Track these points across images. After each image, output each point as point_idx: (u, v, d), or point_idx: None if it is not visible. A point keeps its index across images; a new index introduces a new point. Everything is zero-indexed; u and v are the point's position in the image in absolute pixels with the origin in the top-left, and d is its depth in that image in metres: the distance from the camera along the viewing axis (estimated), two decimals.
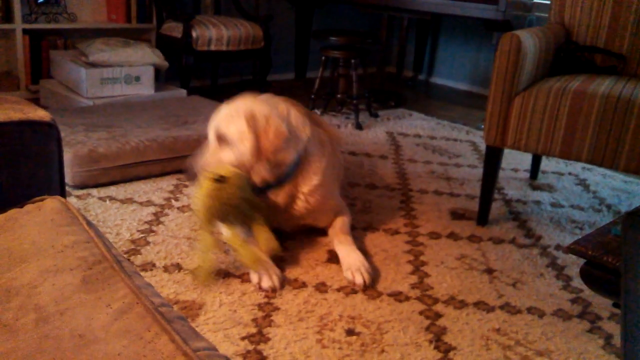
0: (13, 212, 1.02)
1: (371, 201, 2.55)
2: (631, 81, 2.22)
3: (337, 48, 3.68)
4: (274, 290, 1.81)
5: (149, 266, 1.89)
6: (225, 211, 1.81)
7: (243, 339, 1.56)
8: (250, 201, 1.87)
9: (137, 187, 2.50)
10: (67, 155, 2.36)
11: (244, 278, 1.86)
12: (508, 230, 2.36)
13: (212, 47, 3.78)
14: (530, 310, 1.81)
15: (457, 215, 2.48)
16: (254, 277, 1.83)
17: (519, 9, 3.72)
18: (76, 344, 0.71)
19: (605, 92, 2.04)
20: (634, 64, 2.49)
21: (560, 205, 2.66)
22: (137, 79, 3.55)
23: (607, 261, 1.30)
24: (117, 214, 2.25)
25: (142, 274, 1.67)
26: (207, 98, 3.47)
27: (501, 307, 1.81)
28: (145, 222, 2.19)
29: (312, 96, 3.79)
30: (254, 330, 1.60)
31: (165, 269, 1.89)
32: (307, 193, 2.04)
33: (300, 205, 2.06)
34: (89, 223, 0.99)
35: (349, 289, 1.85)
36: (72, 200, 2.35)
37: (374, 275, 1.93)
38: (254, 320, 1.65)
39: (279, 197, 2.02)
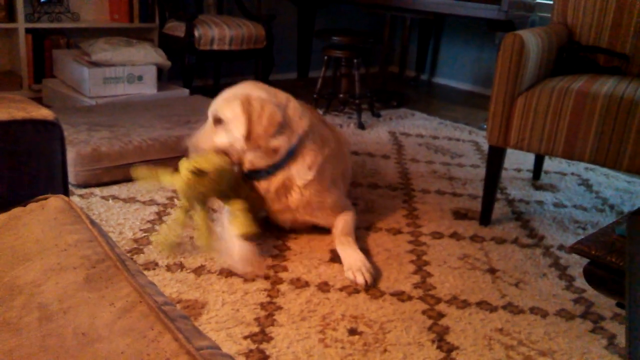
0: (16, 211, 1.02)
1: (374, 201, 2.55)
2: (634, 81, 2.21)
3: (339, 48, 3.68)
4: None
5: (152, 265, 1.90)
6: (200, 199, 1.93)
7: (245, 338, 1.57)
8: (229, 191, 1.98)
9: (139, 186, 2.51)
10: (70, 155, 2.36)
11: (246, 277, 1.86)
12: (511, 230, 2.36)
13: (215, 47, 3.78)
14: (533, 310, 1.81)
15: (459, 215, 2.47)
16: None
17: (521, 9, 3.71)
18: (79, 342, 0.71)
19: (608, 92, 2.04)
20: (637, 64, 2.48)
21: (563, 205, 2.66)
22: (140, 78, 3.56)
23: (611, 261, 1.30)
24: (119, 213, 2.25)
25: (145, 273, 1.67)
26: (210, 97, 3.45)
27: (504, 307, 1.81)
28: (148, 221, 2.20)
29: (315, 96, 3.79)
30: (256, 329, 1.60)
31: (168, 268, 1.89)
32: (301, 186, 2.05)
33: (295, 197, 2.07)
34: (92, 222, 0.99)
35: (352, 289, 1.85)
36: (74, 199, 2.35)
37: (376, 274, 1.93)
38: (257, 319, 1.65)
39: (271, 185, 2.04)
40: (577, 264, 2.09)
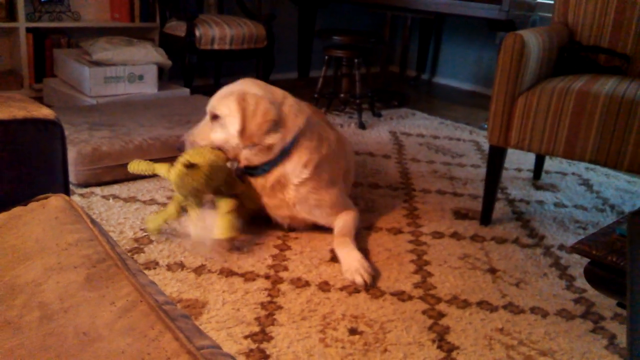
0: (17, 210, 1.02)
1: (374, 200, 2.55)
2: (635, 81, 2.21)
3: (340, 47, 3.68)
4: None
5: (152, 264, 1.90)
6: (193, 193, 1.97)
7: (246, 337, 1.57)
8: (223, 186, 2.03)
9: (140, 185, 2.51)
10: (71, 154, 2.36)
11: (247, 277, 1.86)
12: (511, 230, 2.36)
13: (216, 46, 3.78)
14: (533, 310, 1.81)
15: (460, 214, 2.47)
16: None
17: (522, 8, 3.71)
18: (80, 341, 0.71)
19: (609, 92, 2.04)
20: (638, 64, 2.48)
21: (564, 205, 2.66)
22: (141, 77, 3.56)
23: (612, 261, 1.30)
24: (120, 212, 2.25)
25: (145, 272, 1.67)
26: (210, 97, 3.46)
27: (504, 307, 1.81)
28: None
29: (315, 95, 3.78)
30: (257, 329, 1.61)
31: (169, 267, 1.89)
32: (296, 184, 2.06)
33: (291, 194, 2.08)
34: (92, 221, 0.99)
35: (352, 288, 1.85)
36: (75, 198, 2.35)
37: (375, 274, 1.93)
38: (257, 319, 1.65)
39: (267, 182, 2.06)
40: (577, 264, 2.09)
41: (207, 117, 2.09)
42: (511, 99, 2.18)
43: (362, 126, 3.65)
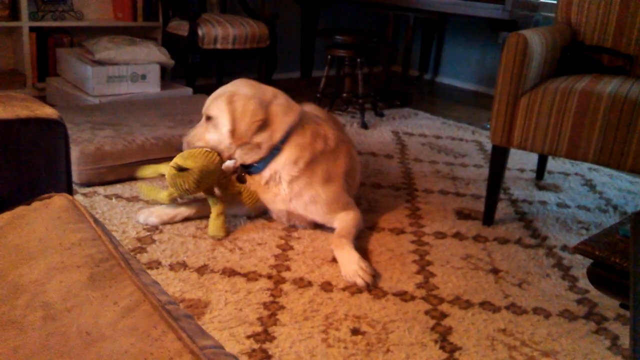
0: (20, 210, 1.02)
1: (377, 200, 2.55)
2: (638, 81, 2.20)
3: (342, 47, 3.68)
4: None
5: (155, 264, 1.90)
6: (181, 192, 2.10)
7: (248, 337, 1.57)
8: (217, 187, 2.13)
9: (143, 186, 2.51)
10: (74, 153, 2.36)
11: (249, 276, 1.87)
12: (514, 231, 2.35)
13: (218, 46, 3.78)
14: (536, 310, 1.81)
15: (462, 215, 2.47)
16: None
17: (525, 8, 3.71)
18: (83, 341, 0.71)
19: (612, 92, 2.03)
20: None
21: (567, 205, 2.66)
22: (143, 77, 3.56)
23: (615, 262, 1.30)
24: (123, 212, 2.25)
25: (148, 272, 1.68)
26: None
27: (507, 308, 1.81)
28: None
29: (318, 95, 3.78)
30: (259, 329, 1.61)
31: (171, 267, 1.89)
32: (288, 180, 2.11)
33: (285, 190, 2.13)
34: (96, 221, 0.99)
35: (355, 289, 1.85)
36: (78, 198, 2.36)
37: (376, 273, 1.93)
38: (260, 319, 1.65)
39: (262, 179, 2.13)
40: (580, 265, 2.09)
41: (204, 119, 2.16)
42: (514, 99, 2.17)
43: (364, 126, 3.65)
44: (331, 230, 2.15)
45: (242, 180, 2.19)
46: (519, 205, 2.62)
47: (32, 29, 3.63)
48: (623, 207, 2.69)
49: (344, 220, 2.13)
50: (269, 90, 2.16)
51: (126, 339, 0.71)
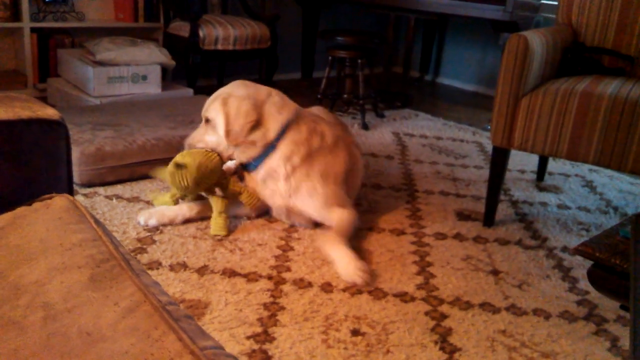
0: (22, 210, 1.02)
1: (377, 201, 2.55)
2: (639, 83, 2.21)
3: (343, 48, 3.68)
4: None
5: (155, 265, 1.90)
6: (180, 189, 2.15)
7: (248, 338, 1.57)
8: (217, 186, 2.17)
9: (143, 186, 2.51)
10: (74, 154, 2.37)
11: (249, 277, 1.87)
12: (514, 232, 2.35)
13: (219, 47, 3.78)
14: (536, 312, 1.81)
15: (463, 216, 2.47)
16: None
17: (526, 9, 3.71)
18: (84, 341, 0.71)
19: (613, 93, 2.03)
20: None
21: (567, 206, 2.66)
22: (144, 78, 3.56)
23: (615, 263, 1.30)
24: (123, 212, 2.26)
25: (148, 272, 1.68)
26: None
27: (507, 309, 1.81)
28: None
29: (319, 96, 3.79)
30: (259, 329, 1.61)
31: (171, 267, 1.89)
32: (284, 176, 2.14)
33: (284, 186, 2.16)
34: (96, 221, 0.99)
35: (355, 289, 1.85)
36: (79, 198, 2.36)
37: (372, 271, 1.93)
38: (260, 319, 1.65)
39: (258, 175, 2.18)
40: (580, 266, 2.09)
41: (203, 121, 2.22)
42: (515, 100, 2.17)
43: (365, 127, 3.65)
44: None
45: (240, 178, 2.24)
46: (519, 206, 2.62)
47: (33, 29, 3.63)
48: (623, 208, 2.69)
49: (340, 218, 2.14)
50: (263, 90, 2.21)
51: (127, 339, 0.71)
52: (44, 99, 3.56)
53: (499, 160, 2.31)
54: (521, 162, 3.20)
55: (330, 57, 3.71)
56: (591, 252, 1.34)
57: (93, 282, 0.82)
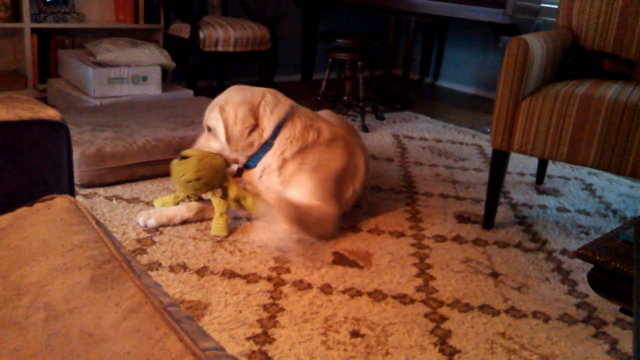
0: (23, 211, 1.02)
1: (377, 203, 2.55)
2: (639, 87, 2.21)
3: (343, 50, 3.68)
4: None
5: (155, 266, 1.90)
6: (181, 183, 2.16)
7: (248, 339, 1.57)
8: (214, 188, 2.18)
9: (143, 186, 2.51)
10: (74, 155, 2.36)
11: (249, 278, 1.87)
12: (514, 234, 2.36)
13: (220, 48, 3.78)
14: (535, 314, 1.81)
15: (462, 218, 2.47)
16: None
17: (526, 13, 3.71)
18: (85, 342, 0.71)
19: (613, 97, 2.04)
20: None
21: (566, 209, 2.66)
22: (144, 79, 3.56)
23: (616, 267, 1.30)
24: (123, 213, 2.26)
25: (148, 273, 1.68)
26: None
27: (506, 311, 1.81)
28: None
29: (319, 98, 3.79)
30: (259, 330, 1.61)
31: (171, 268, 1.89)
32: (277, 170, 2.20)
33: (278, 180, 2.20)
34: (98, 222, 0.99)
35: (354, 291, 1.85)
36: (78, 199, 2.36)
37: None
38: (259, 320, 1.65)
39: (256, 172, 2.23)
40: (579, 269, 2.09)
41: (205, 130, 2.28)
42: (514, 103, 2.18)
43: (365, 129, 3.65)
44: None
45: (239, 174, 2.29)
46: (518, 209, 2.63)
47: (33, 30, 3.63)
48: (623, 211, 2.69)
49: (314, 203, 2.13)
50: (258, 92, 2.25)
51: (128, 340, 0.71)
52: (44, 100, 3.56)
53: (498, 163, 2.31)
54: (521, 165, 3.21)
55: (330, 59, 3.72)
56: (592, 255, 1.35)
57: (94, 283, 0.82)
